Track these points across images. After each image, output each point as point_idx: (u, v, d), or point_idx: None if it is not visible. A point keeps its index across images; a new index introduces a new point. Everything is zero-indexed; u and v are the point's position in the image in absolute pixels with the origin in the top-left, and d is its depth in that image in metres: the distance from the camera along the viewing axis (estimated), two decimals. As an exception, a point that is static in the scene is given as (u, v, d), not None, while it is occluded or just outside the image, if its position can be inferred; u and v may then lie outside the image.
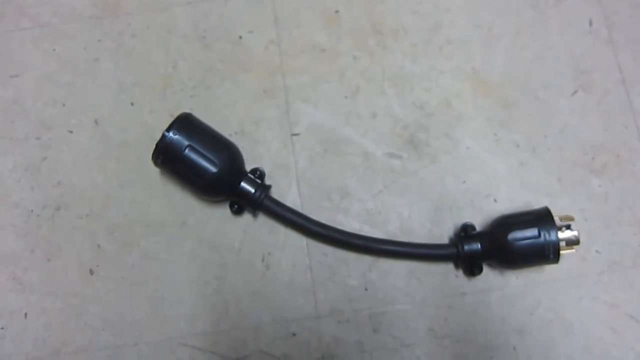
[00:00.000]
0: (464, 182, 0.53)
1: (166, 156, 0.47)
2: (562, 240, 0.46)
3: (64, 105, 0.55)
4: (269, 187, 0.51)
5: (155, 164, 0.48)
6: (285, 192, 0.53)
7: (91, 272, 0.51)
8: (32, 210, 0.53)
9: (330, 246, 0.52)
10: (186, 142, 0.47)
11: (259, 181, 0.50)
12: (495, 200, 0.53)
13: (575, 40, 0.57)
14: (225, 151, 0.49)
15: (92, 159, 0.54)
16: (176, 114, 0.52)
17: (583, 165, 0.54)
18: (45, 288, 0.51)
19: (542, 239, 0.46)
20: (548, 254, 0.46)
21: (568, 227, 0.47)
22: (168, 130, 0.47)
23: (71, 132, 0.54)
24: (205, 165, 0.47)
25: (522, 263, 0.49)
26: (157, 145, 0.47)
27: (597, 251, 0.52)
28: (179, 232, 0.52)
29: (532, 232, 0.46)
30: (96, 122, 0.54)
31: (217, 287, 0.51)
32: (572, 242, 0.47)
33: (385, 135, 0.54)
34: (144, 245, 0.52)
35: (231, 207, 0.51)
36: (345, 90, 0.55)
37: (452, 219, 0.52)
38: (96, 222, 0.52)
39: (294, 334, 0.50)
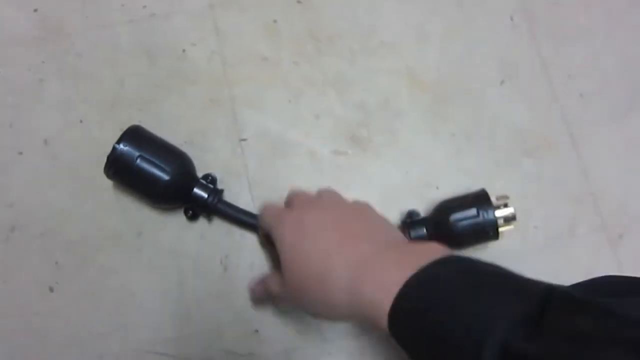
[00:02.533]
0: (407, 172, 0.56)
1: (118, 168, 0.48)
2: (499, 218, 0.50)
3: (11, 126, 0.55)
4: (221, 191, 0.53)
5: (108, 176, 0.49)
6: (238, 196, 0.55)
7: (51, 289, 0.52)
8: (-15, 234, 0.53)
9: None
10: (137, 153, 0.48)
11: (211, 186, 0.52)
12: (437, 188, 0.56)
13: (499, 34, 0.61)
14: (176, 159, 0.50)
15: (44, 178, 0.54)
16: (126, 128, 0.54)
17: (515, 149, 0.58)
18: (4, 310, 0.51)
19: (480, 217, 0.50)
20: (488, 231, 0.50)
21: (505, 206, 0.50)
22: (118, 142, 0.48)
23: (21, 153, 0.55)
24: (157, 174, 0.48)
25: (467, 242, 0.52)
26: (108, 158, 0.48)
27: (535, 227, 0.56)
28: (135, 242, 0.53)
29: (472, 212, 0.50)
30: (45, 141, 0.55)
31: (177, 293, 0.52)
32: (510, 219, 0.50)
33: (329, 135, 0.57)
34: (102, 259, 0.53)
35: (186, 213, 0.53)
36: (288, 95, 0.58)
37: (399, 207, 0.55)
38: (52, 240, 0.53)
39: (257, 331, 0.52)
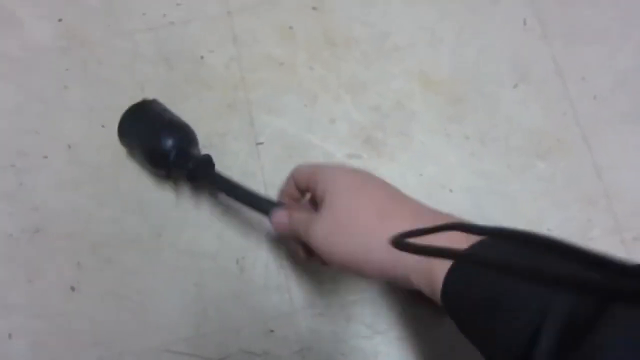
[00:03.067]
0: (421, 175, 0.57)
1: (124, 129, 0.53)
2: None
3: (37, 132, 0.57)
4: (210, 158, 0.51)
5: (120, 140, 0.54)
6: (255, 198, 0.56)
7: (73, 289, 0.53)
8: (11, 235, 0.55)
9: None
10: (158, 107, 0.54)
11: (204, 156, 0.51)
12: (451, 190, 0.57)
13: (513, 37, 0.62)
14: (177, 127, 0.53)
15: (68, 181, 0.56)
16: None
17: (528, 151, 0.58)
18: (29, 309, 0.53)
19: None
20: None
21: None
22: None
23: (46, 157, 0.57)
24: (154, 135, 0.51)
25: None
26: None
27: (548, 229, 0.56)
28: (155, 244, 0.55)
29: None
30: (69, 146, 0.57)
31: (195, 293, 0.54)
32: None
33: (344, 138, 0.58)
34: (123, 260, 0.54)
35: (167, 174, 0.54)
36: (304, 99, 0.59)
37: (412, 209, 0.56)
38: (75, 242, 0.55)
39: (272, 331, 0.53)
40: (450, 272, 0.34)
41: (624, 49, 0.61)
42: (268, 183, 0.56)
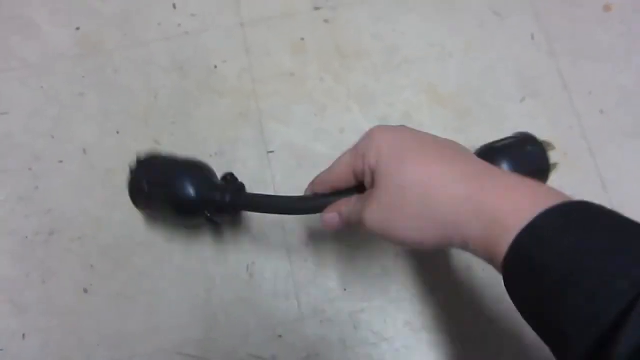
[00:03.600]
0: (429, 185, 0.58)
1: (136, 198, 0.51)
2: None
3: (53, 137, 0.59)
4: (241, 185, 0.51)
5: (137, 208, 0.52)
6: (265, 205, 0.57)
7: (85, 290, 0.54)
8: (26, 237, 0.56)
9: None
10: (146, 178, 0.49)
11: (230, 185, 0.50)
12: (458, 201, 0.57)
13: (520, 52, 0.63)
14: (188, 171, 0.49)
15: (82, 185, 0.57)
16: (159, 139, 0.57)
17: (535, 163, 0.59)
18: (42, 309, 0.54)
19: (529, 151, 0.49)
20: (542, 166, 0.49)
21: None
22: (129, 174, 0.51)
23: (61, 161, 0.58)
24: (172, 192, 0.48)
25: None
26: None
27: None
28: (166, 248, 0.56)
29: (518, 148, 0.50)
30: (84, 151, 0.58)
31: (206, 298, 0.55)
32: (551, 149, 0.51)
33: (353, 148, 0.59)
34: (135, 263, 0.55)
35: (208, 219, 0.49)
36: (314, 109, 0.60)
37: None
38: (88, 244, 0.56)
39: (280, 336, 0.54)
40: (522, 235, 0.30)
41: (630, 64, 0.62)
42: (279, 191, 0.57)
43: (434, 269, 0.56)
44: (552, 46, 0.63)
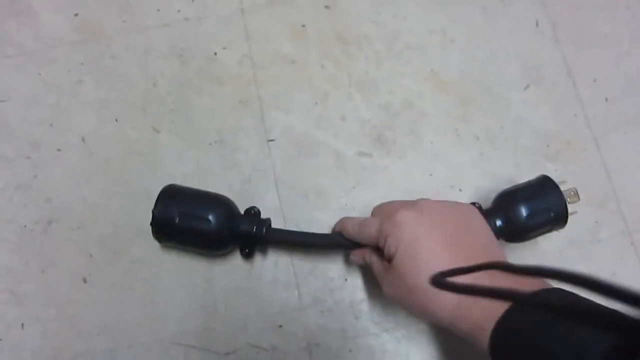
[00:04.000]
0: (431, 174, 0.57)
1: (163, 231, 0.49)
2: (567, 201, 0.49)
3: (51, 125, 0.58)
4: (268, 219, 0.52)
5: (159, 241, 0.51)
6: (265, 194, 0.56)
7: (84, 280, 0.54)
8: (25, 226, 0.55)
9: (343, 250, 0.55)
10: (175, 211, 0.48)
11: (256, 218, 0.52)
12: (460, 190, 0.57)
13: (524, 39, 0.62)
14: (215, 204, 0.50)
15: (80, 174, 0.57)
16: (158, 127, 0.57)
17: (538, 152, 0.58)
18: (41, 299, 0.54)
19: (552, 205, 0.49)
20: (559, 219, 0.49)
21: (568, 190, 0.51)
22: (155, 207, 0.49)
23: (59, 150, 0.57)
24: (201, 224, 0.48)
25: (535, 233, 0.50)
26: (151, 224, 0.49)
27: (557, 231, 0.56)
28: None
29: (541, 201, 0.49)
30: (83, 139, 0.57)
31: (205, 287, 0.54)
32: (574, 200, 0.51)
33: (354, 136, 0.58)
34: (133, 252, 0.55)
35: (242, 252, 0.53)
36: (315, 97, 0.59)
37: (421, 208, 0.56)
38: (87, 233, 0.55)
39: (280, 326, 0.53)
40: (504, 319, 0.36)
41: (635, 51, 0.61)
42: (279, 180, 0.57)
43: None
44: (556, 33, 0.62)
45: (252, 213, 0.53)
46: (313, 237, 0.52)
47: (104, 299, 0.54)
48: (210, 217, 0.48)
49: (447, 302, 0.40)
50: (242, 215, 0.53)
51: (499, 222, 0.49)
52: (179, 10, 0.61)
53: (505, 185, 0.56)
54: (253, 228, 0.50)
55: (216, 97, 0.59)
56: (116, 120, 0.58)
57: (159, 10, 0.61)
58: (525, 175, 0.57)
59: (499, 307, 0.36)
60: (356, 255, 0.51)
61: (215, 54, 0.60)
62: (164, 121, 0.58)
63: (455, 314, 0.40)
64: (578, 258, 0.55)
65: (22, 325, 0.53)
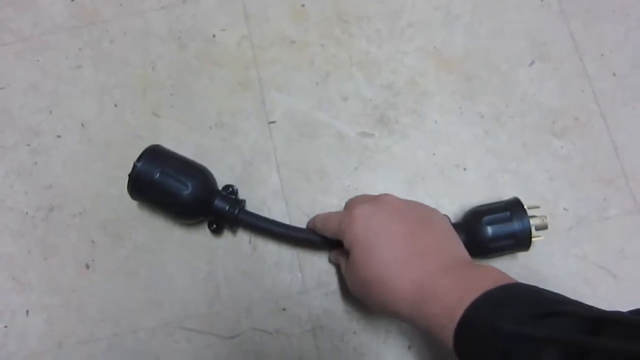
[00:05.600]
0: (434, 154, 0.56)
1: (139, 185, 0.49)
2: (533, 226, 0.49)
3: (50, 112, 0.58)
4: (243, 201, 0.53)
5: (132, 195, 0.50)
6: (267, 177, 0.56)
7: (87, 266, 0.54)
8: (26, 213, 0.55)
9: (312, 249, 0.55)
10: (157, 169, 0.48)
11: (232, 197, 0.52)
12: (464, 169, 0.56)
13: (530, 14, 0.60)
14: (195, 173, 0.50)
15: (81, 160, 0.56)
16: (158, 111, 0.56)
17: (545, 129, 0.57)
18: (44, 285, 0.54)
19: (515, 226, 0.49)
20: (522, 241, 0.49)
21: (536, 215, 0.50)
22: (138, 160, 0.49)
23: (59, 136, 0.57)
24: (177, 187, 0.48)
25: (497, 251, 0.51)
26: (129, 175, 0.49)
27: (564, 208, 0.55)
28: (167, 222, 0.55)
29: (506, 219, 0.49)
30: (82, 125, 0.57)
31: (208, 271, 0.54)
32: (541, 228, 0.49)
33: (356, 116, 0.57)
34: (135, 237, 0.55)
35: (209, 226, 0.53)
36: (316, 77, 0.58)
37: (425, 189, 0.55)
38: (88, 219, 0.55)
39: (284, 309, 0.53)
40: (459, 326, 0.35)
41: (644, 24, 0.60)
42: (280, 162, 0.56)
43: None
44: (562, 7, 0.60)
45: (229, 191, 0.53)
46: (284, 228, 0.52)
47: (107, 284, 0.54)
48: (189, 184, 0.49)
49: (400, 293, 0.40)
50: (220, 191, 0.53)
51: (463, 238, 0.48)
52: (176, -8, 0.61)
53: (510, 163, 0.55)
54: (226, 206, 0.51)
55: (216, 80, 0.58)
56: (115, 105, 0.58)
57: (156, -8, 0.61)
58: (532, 153, 0.56)
59: (459, 303, 0.36)
60: (331, 255, 0.53)
61: (214, 36, 0.60)
62: (164, 105, 0.57)
63: (412, 311, 0.39)
64: (586, 236, 0.54)
65: (27, 312, 0.53)
